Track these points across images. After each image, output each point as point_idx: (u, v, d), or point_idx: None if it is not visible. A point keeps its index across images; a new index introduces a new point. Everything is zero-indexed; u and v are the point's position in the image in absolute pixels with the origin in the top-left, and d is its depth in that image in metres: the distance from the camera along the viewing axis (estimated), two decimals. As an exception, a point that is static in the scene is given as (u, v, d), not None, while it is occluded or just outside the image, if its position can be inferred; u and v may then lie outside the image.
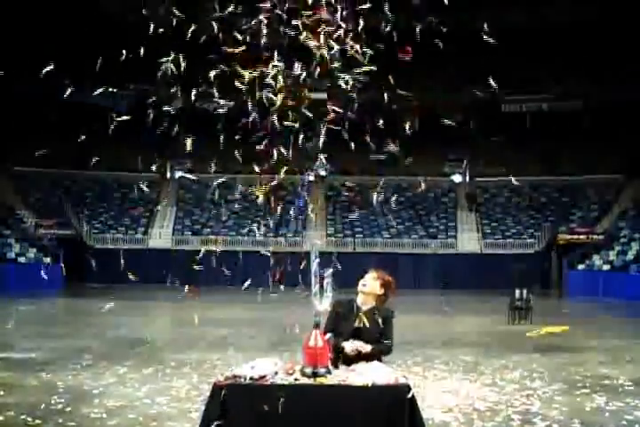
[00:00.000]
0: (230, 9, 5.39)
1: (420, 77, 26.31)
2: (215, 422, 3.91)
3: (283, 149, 5.52)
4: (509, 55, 28.11)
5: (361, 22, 5.17)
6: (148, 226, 32.84)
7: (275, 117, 5.32)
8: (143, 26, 6.50)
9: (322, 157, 5.94)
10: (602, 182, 33.55)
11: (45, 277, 9.65)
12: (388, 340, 4.54)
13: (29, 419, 5.94)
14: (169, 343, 11.15)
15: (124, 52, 5.75)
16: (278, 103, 5.15)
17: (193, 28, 5.61)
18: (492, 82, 6.76)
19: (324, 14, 5.02)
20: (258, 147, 5.41)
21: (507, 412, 6.47)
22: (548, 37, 30.54)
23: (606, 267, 26.55)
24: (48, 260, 26.67)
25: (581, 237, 29.83)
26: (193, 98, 5.56)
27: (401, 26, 5.64)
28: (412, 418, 3.95)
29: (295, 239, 30.37)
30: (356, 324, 4.46)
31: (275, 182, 5.82)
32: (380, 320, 4.52)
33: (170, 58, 5.41)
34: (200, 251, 7.38)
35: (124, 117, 5.92)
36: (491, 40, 5.96)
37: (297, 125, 5.35)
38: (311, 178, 32.39)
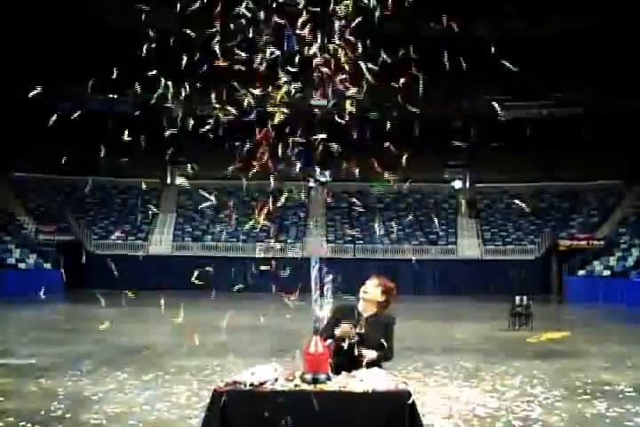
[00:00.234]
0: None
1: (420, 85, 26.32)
2: (215, 429, 3.90)
3: (281, 155, 5.54)
4: (510, 62, 28.15)
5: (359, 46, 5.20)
6: (149, 232, 32.85)
7: (274, 123, 5.34)
8: (144, 35, 6.53)
9: (317, 169, 6.00)
10: (602, 188, 33.56)
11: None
12: (389, 346, 4.53)
13: (29, 425, 5.94)
14: (169, 349, 11.12)
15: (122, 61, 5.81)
16: (279, 117, 5.17)
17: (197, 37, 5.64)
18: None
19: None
20: (258, 150, 5.43)
21: (507, 418, 6.46)
22: (548, 45, 30.65)
23: (606, 273, 26.52)
24: (48, 265, 26.69)
25: (582, 243, 29.84)
26: (195, 109, 5.62)
27: (400, 30, 5.68)
28: (413, 424, 3.93)
29: (295, 245, 30.32)
30: (358, 330, 4.46)
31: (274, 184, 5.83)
32: (381, 327, 4.53)
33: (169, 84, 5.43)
34: (203, 256, 7.39)
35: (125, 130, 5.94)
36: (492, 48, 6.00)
37: (297, 136, 5.38)
38: (312, 184, 32.50)
